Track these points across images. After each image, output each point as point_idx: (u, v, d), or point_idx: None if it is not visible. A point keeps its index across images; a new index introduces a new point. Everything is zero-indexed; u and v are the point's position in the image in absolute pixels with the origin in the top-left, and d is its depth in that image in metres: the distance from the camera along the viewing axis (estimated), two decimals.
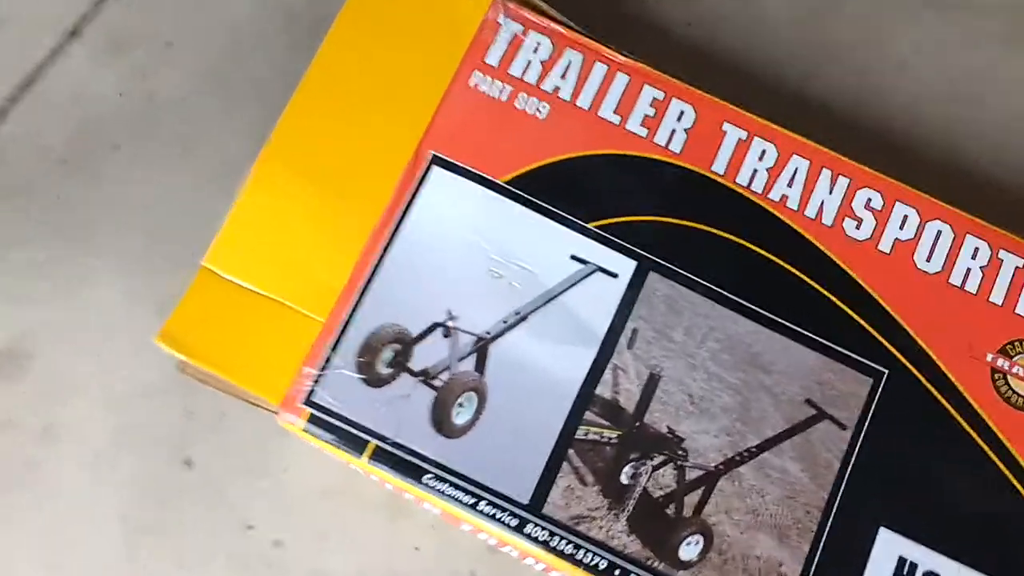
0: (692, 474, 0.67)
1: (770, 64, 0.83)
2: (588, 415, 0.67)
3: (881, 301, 0.70)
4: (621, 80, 0.73)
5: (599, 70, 0.73)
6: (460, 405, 0.67)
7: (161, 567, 0.72)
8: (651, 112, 0.72)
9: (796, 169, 0.72)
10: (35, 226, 0.78)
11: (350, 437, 0.66)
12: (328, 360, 0.67)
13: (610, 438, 0.68)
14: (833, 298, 0.70)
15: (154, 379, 0.75)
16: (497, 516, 0.65)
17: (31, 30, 0.82)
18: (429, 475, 0.65)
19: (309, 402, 0.66)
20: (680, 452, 0.68)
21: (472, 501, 0.65)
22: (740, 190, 0.71)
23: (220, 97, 0.81)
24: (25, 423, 0.74)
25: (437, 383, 0.67)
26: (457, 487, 0.65)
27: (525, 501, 0.65)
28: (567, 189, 0.70)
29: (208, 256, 0.68)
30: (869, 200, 0.72)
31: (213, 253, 0.68)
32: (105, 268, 0.77)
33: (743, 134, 0.72)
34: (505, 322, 0.68)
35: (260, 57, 0.82)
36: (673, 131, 0.72)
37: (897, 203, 0.72)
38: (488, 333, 0.68)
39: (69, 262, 0.78)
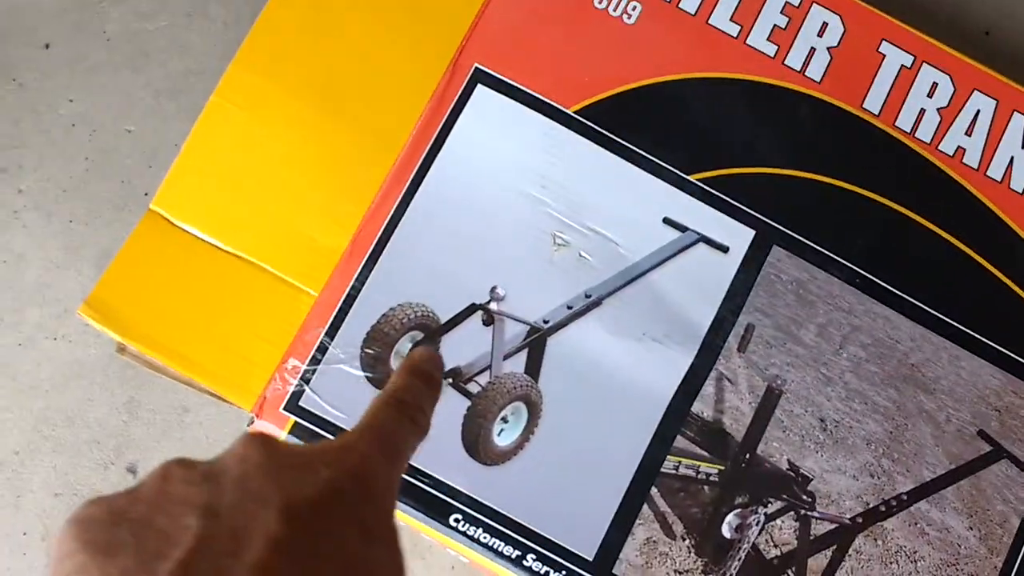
0: (820, 528, 0.48)
1: None
2: (680, 441, 0.48)
3: None
4: None
5: None
6: (503, 420, 0.48)
7: None
8: (782, 21, 0.52)
9: (978, 111, 0.52)
10: None
11: None
12: (322, 350, 0.47)
13: (709, 474, 0.48)
14: (1019, 290, 0.51)
15: (90, 358, 0.56)
16: None
17: None
18: (457, 514, 0.46)
19: (294, 406, 0.47)
20: (805, 498, 0.49)
21: (515, 554, 0.47)
22: (900, 137, 0.51)
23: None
24: None
25: (473, 388, 0.48)
26: (495, 532, 0.46)
27: (589, 557, 0.47)
28: (661, 126, 0.50)
29: (157, 197, 0.49)
30: None
31: (164, 193, 0.49)
32: (29, 207, 0.58)
33: (907, 59, 0.52)
34: (570, 307, 0.49)
35: None
36: (813, 50, 0.52)
37: None
38: (546, 322, 0.48)
39: None
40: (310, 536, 0.27)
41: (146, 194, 0.57)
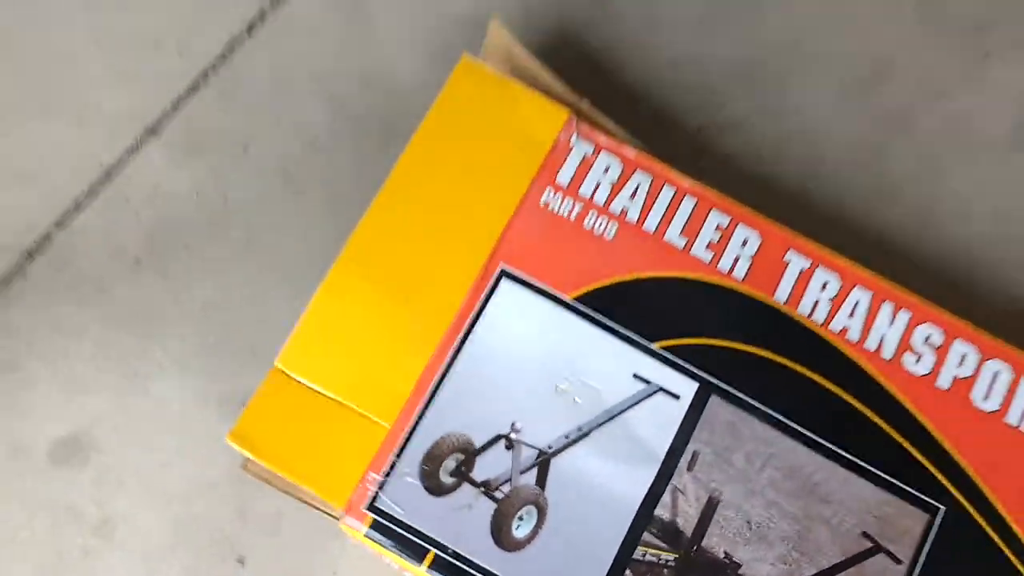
0: None
1: (833, 196, 0.85)
2: (646, 536, 0.67)
3: (939, 437, 0.71)
4: (688, 204, 0.75)
5: (667, 193, 0.75)
6: (520, 519, 0.67)
7: None
8: (716, 237, 0.74)
9: (858, 301, 0.73)
10: (103, 319, 0.80)
11: (410, 544, 0.66)
12: (393, 466, 0.67)
13: (668, 560, 0.67)
14: (892, 432, 0.71)
15: (212, 475, 0.75)
16: None
17: (112, 125, 0.86)
18: None
19: (372, 507, 0.66)
20: None
21: None
22: (802, 320, 0.73)
23: (291, 201, 0.84)
24: (85, 512, 0.74)
25: (498, 495, 0.67)
26: None
27: None
28: (632, 309, 0.72)
29: (280, 357, 0.69)
30: (929, 336, 0.73)
31: (285, 354, 0.70)
32: (170, 364, 0.79)
33: (806, 263, 0.74)
34: (567, 437, 0.69)
35: (331, 163, 0.85)
36: (737, 257, 0.74)
37: (957, 340, 0.73)
38: (550, 448, 0.68)
39: (135, 356, 0.79)
40: None
41: (260, 356, 0.78)
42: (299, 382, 0.69)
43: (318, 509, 0.71)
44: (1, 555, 0.74)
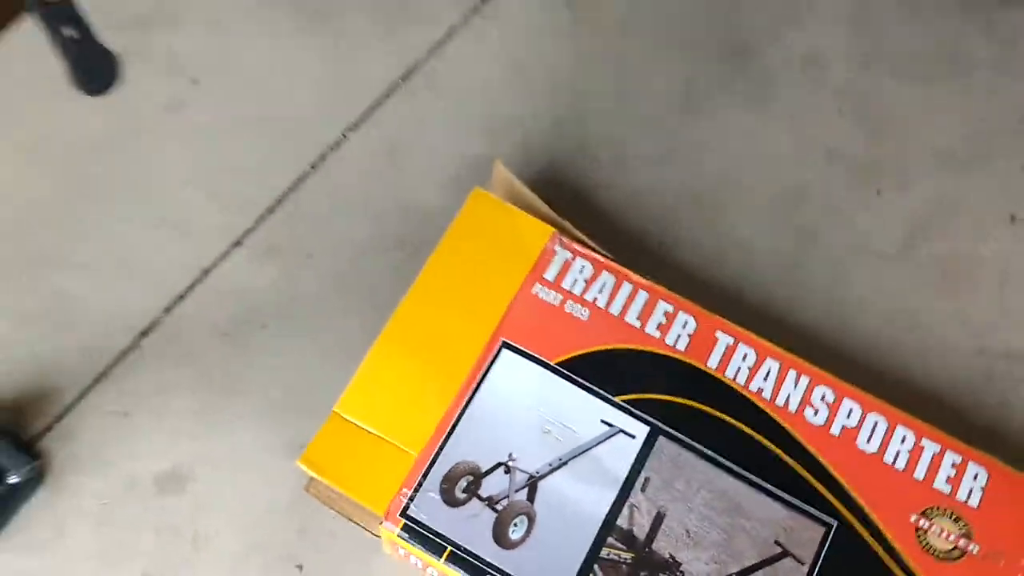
0: None
1: (760, 293, 1.11)
2: (610, 540, 0.90)
3: (832, 471, 0.94)
4: (642, 296, 1.00)
5: (626, 288, 1.00)
6: (515, 525, 0.90)
7: None
8: (663, 320, 0.99)
9: (769, 369, 0.98)
10: (197, 381, 1.04)
11: (432, 543, 0.88)
12: (419, 485, 0.90)
13: (626, 559, 0.89)
14: (796, 465, 0.94)
15: (279, 501, 0.98)
16: None
17: (208, 236, 1.12)
18: (490, 572, 0.87)
19: (404, 515, 0.89)
20: (679, 573, 0.89)
21: None
22: (728, 381, 0.97)
23: (344, 295, 1.09)
24: (183, 530, 0.97)
25: (499, 507, 0.90)
26: None
27: None
28: (600, 371, 0.96)
29: (338, 404, 0.94)
30: (824, 395, 0.97)
31: (342, 403, 0.94)
32: (248, 416, 1.03)
33: (731, 340, 0.99)
34: (551, 465, 0.92)
35: (374, 267, 1.11)
36: (679, 335, 0.99)
37: (845, 398, 0.97)
38: (538, 473, 0.92)
39: (221, 410, 1.03)
40: None
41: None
42: (351, 422, 0.93)
43: (361, 527, 0.94)
44: (117, 563, 0.96)
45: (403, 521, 0.89)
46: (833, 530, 0.92)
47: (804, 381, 0.98)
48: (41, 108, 1.16)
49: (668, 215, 1.16)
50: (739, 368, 0.98)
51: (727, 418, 0.95)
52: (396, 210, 1.14)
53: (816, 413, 0.96)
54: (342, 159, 1.18)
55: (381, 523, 0.90)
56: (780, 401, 0.97)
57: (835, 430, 0.96)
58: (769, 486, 0.93)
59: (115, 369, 1.04)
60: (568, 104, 1.23)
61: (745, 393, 0.97)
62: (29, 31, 1.17)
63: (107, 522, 0.97)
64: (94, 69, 0.75)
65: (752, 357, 0.98)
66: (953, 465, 0.95)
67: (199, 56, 1.22)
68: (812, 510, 0.92)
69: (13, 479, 0.96)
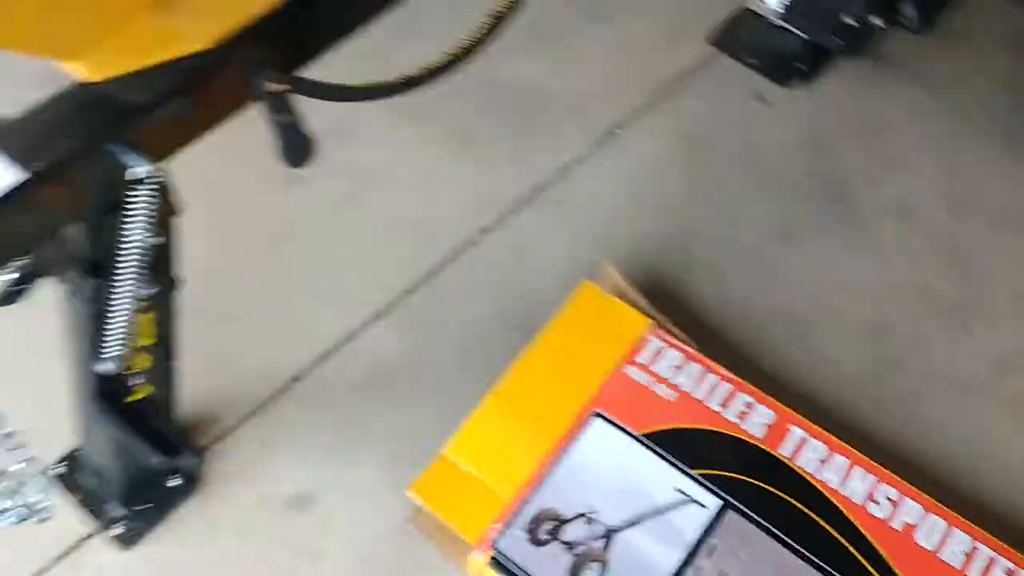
0: None
1: (834, 399, 1.21)
2: None
3: (890, 562, 1.01)
4: (725, 387, 1.12)
5: (711, 378, 1.13)
6: (589, 569, 1.00)
7: None
8: (743, 409, 1.11)
9: (838, 464, 1.07)
10: (332, 423, 1.21)
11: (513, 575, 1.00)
12: (509, 524, 1.03)
13: None
14: (855, 553, 1.02)
15: (387, 529, 1.12)
16: None
17: (357, 308, 1.32)
18: None
19: (493, 547, 1.02)
20: None
21: None
22: (798, 469, 1.07)
23: (465, 366, 1.25)
24: (305, 543, 1.12)
25: (576, 552, 1.01)
26: None
27: None
28: (680, 446, 1.08)
29: (447, 448, 1.08)
30: (888, 493, 1.05)
31: (450, 448, 1.09)
32: (370, 457, 1.18)
33: (804, 434, 1.09)
34: (627, 522, 1.03)
35: (495, 345, 1.26)
36: (756, 423, 1.10)
37: (907, 498, 1.05)
38: (615, 526, 1.03)
39: (348, 450, 1.19)
40: None
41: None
42: (455, 464, 1.07)
43: (453, 560, 1.07)
44: (248, 565, 1.11)
45: (491, 553, 1.02)
46: None
47: (870, 479, 1.06)
48: (242, 192, 1.41)
49: (758, 326, 1.29)
50: (809, 459, 1.08)
51: (794, 502, 1.05)
52: (517, 298, 1.31)
53: (879, 507, 1.05)
54: (476, 255, 1.37)
55: (471, 552, 1.02)
56: (846, 492, 1.06)
57: (896, 524, 1.04)
58: (827, 567, 1.00)
59: (268, 406, 1.23)
60: (676, 225, 1.39)
61: (813, 481, 1.06)
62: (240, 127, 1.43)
63: (244, 531, 1.13)
64: (298, 148, 0.96)
65: (822, 451, 1.08)
66: (1007, 571, 1.01)
67: (368, 164, 1.46)
68: None
69: (172, 483, 1.14)
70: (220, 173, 1.40)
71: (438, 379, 1.25)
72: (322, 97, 0.90)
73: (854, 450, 1.09)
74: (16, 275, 0.88)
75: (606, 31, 1.67)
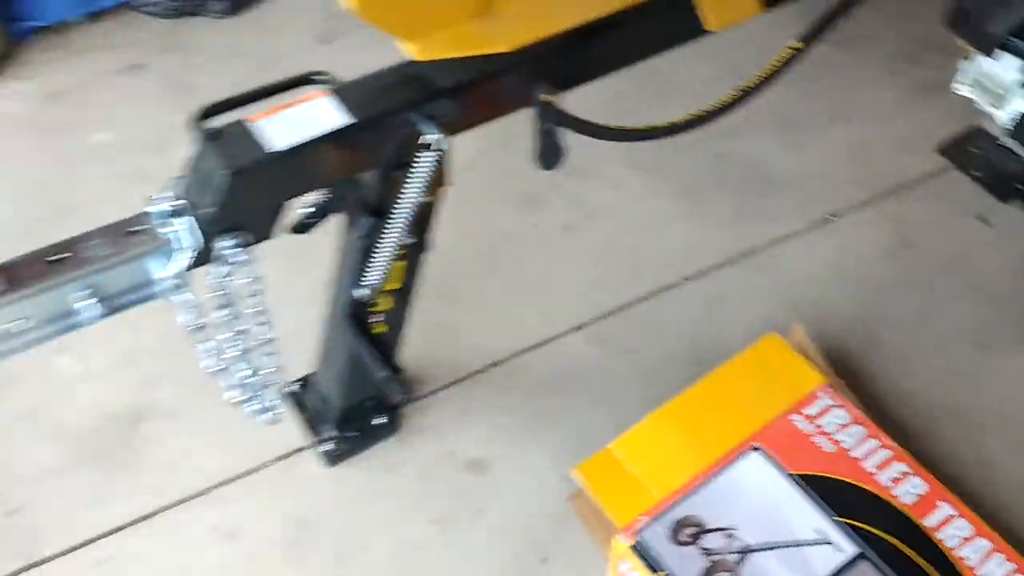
0: None
1: (991, 496, 1.24)
2: None
3: None
4: (885, 453, 1.19)
5: (872, 443, 1.20)
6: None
7: None
8: (897, 475, 1.17)
9: (980, 545, 1.11)
10: (516, 407, 1.37)
11: (651, 564, 1.11)
12: (656, 519, 1.14)
13: None
14: None
15: (546, 506, 1.26)
16: None
17: (558, 319, 1.47)
18: None
19: (637, 534, 1.13)
20: None
21: None
22: (938, 541, 1.12)
23: (645, 386, 1.38)
24: (471, 502, 1.27)
25: (712, 559, 1.11)
26: None
27: None
28: (829, 492, 1.15)
29: (612, 446, 1.21)
30: None
31: (615, 446, 1.21)
32: (546, 442, 1.32)
33: (952, 511, 1.14)
34: (764, 545, 1.11)
35: (676, 374, 1.38)
36: (907, 492, 1.16)
37: None
38: (751, 547, 1.11)
39: (528, 432, 1.34)
40: None
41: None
42: (618, 459, 1.20)
43: (598, 546, 1.18)
44: (421, 507, 1.27)
45: (636, 539, 1.13)
46: None
47: (1009, 566, 1.10)
48: (488, 205, 1.62)
49: (928, 416, 1.34)
50: (952, 535, 1.13)
51: (928, 568, 1.10)
52: (704, 341, 1.43)
53: None
54: (675, 296, 1.50)
55: (617, 535, 1.14)
56: (980, 572, 1.09)
57: None
58: None
59: (466, 381, 1.40)
60: (871, 311, 1.47)
61: (950, 556, 1.11)
62: (492, 152, 1.64)
63: (423, 475, 1.30)
64: (552, 153, 1.14)
65: (968, 530, 1.13)
66: None
67: (597, 201, 1.64)
68: None
69: (377, 421, 1.33)
70: (475, 187, 1.62)
71: (617, 392, 1.38)
72: (580, 131, 1.08)
73: (997, 535, 1.12)
74: (313, 209, 1.10)
75: (842, 130, 1.78)
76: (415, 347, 1.35)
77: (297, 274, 1.33)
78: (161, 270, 0.96)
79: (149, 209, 0.95)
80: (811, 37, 1.24)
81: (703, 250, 1.57)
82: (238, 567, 1.23)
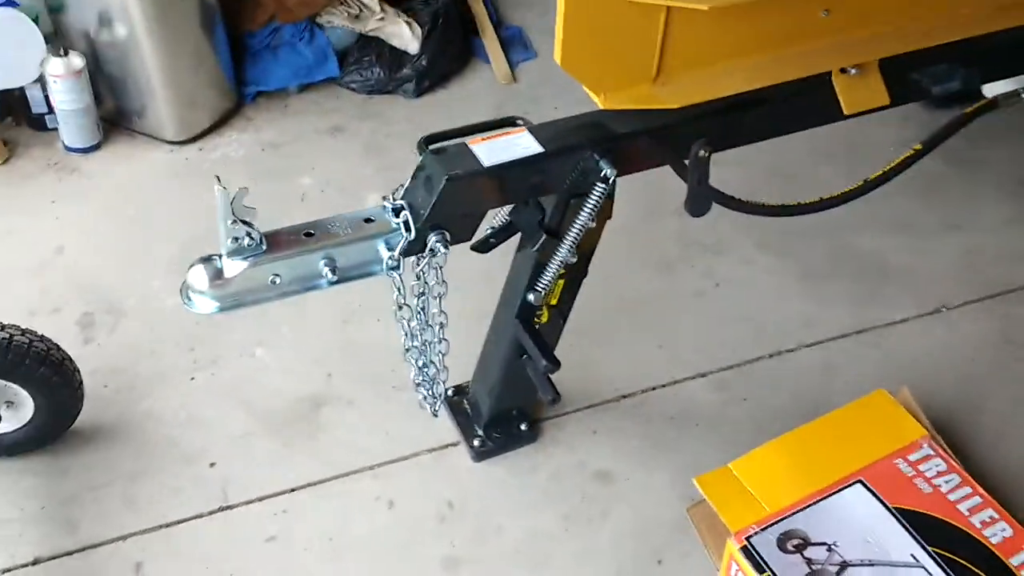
0: None
1: None
2: None
3: None
4: (976, 499, 1.32)
5: (966, 490, 1.33)
6: None
7: None
8: (987, 520, 1.30)
9: None
10: (639, 435, 1.54)
11: (757, 566, 1.25)
12: (766, 528, 1.29)
13: None
14: None
15: (664, 515, 1.42)
16: None
17: (680, 362, 1.66)
18: None
19: (746, 539, 1.28)
20: None
21: None
22: None
23: (759, 427, 1.53)
24: (597, 505, 1.44)
25: (813, 568, 1.25)
26: None
27: None
28: (923, 525, 1.28)
29: (733, 464, 1.38)
30: None
31: (736, 464, 1.38)
32: (663, 466, 1.49)
33: None
34: (861, 562, 1.25)
35: (785, 419, 1.54)
36: (996, 533, 1.28)
37: None
38: (849, 562, 1.25)
39: (648, 457, 1.51)
40: None
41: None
42: (735, 475, 1.36)
43: (709, 553, 1.34)
44: (550, 506, 1.45)
45: (745, 543, 1.28)
46: None
47: None
48: (629, 268, 1.83)
49: (1019, 477, 1.45)
50: None
51: None
52: (816, 401, 1.58)
53: None
54: (792, 360, 1.68)
55: (730, 538, 1.29)
56: None
57: None
58: None
59: (599, 407, 1.59)
60: (975, 392, 1.61)
61: None
62: (638, 227, 1.87)
63: (556, 478, 1.48)
64: (701, 202, 1.35)
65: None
66: None
67: (725, 273, 1.84)
68: None
69: (522, 427, 1.52)
70: (622, 253, 1.84)
71: (733, 431, 1.54)
72: (722, 203, 1.29)
73: None
74: (500, 225, 1.34)
75: (957, 237, 1.95)
76: (559, 375, 1.54)
77: (458, 300, 1.57)
78: (384, 252, 1.20)
79: (383, 204, 1.21)
80: (931, 143, 1.44)
81: (820, 324, 1.74)
82: (393, 530, 1.43)
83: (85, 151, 2.13)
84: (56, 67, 2.01)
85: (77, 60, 2.03)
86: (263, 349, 1.69)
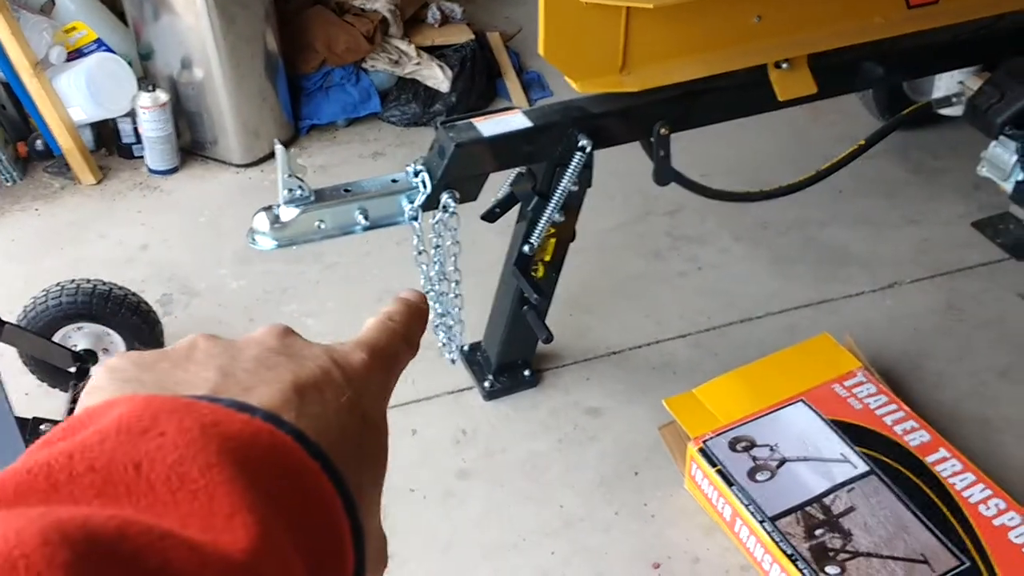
0: None
1: (995, 471, 1.58)
2: (813, 505, 1.44)
3: (983, 541, 1.37)
4: (900, 414, 1.58)
5: (892, 407, 1.59)
6: (761, 473, 1.49)
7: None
8: (907, 429, 1.55)
9: (967, 477, 1.46)
10: (626, 382, 1.82)
11: (711, 463, 1.51)
12: (719, 434, 1.55)
13: (818, 518, 1.42)
14: (960, 530, 1.39)
15: (640, 438, 1.69)
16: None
17: (664, 326, 1.94)
18: (734, 485, 1.47)
19: (704, 443, 1.55)
20: (848, 538, 1.39)
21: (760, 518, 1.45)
22: (935, 471, 1.48)
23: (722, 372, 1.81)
24: (586, 431, 1.72)
25: (757, 462, 1.51)
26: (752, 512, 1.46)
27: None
28: (853, 432, 1.54)
29: (696, 390, 1.65)
30: (998, 504, 1.42)
31: (698, 390, 1.65)
32: (643, 403, 1.77)
33: (947, 454, 1.50)
34: (798, 457, 1.51)
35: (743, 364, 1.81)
36: (915, 439, 1.53)
37: (1012, 511, 1.41)
38: (788, 458, 1.51)
39: (631, 397, 1.79)
40: (312, 405, 0.34)
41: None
42: (698, 399, 1.64)
43: (677, 464, 1.61)
44: (542, 436, 1.73)
45: (701, 444, 1.55)
46: (965, 567, 1.35)
47: (987, 491, 1.45)
48: (621, 249, 2.14)
49: (952, 417, 1.70)
50: (945, 468, 1.49)
51: (925, 488, 1.46)
52: (775, 351, 1.85)
53: (987, 509, 1.42)
54: (759, 325, 1.95)
55: (690, 442, 1.56)
56: (966, 494, 1.45)
57: (996, 522, 1.40)
58: (936, 529, 1.40)
59: (592, 360, 1.88)
60: (918, 347, 1.87)
61: (942, 480, 1.47)
62: (639, 222, 2.18)
63: (553, 413, 1.77)
64: (665, 174, 1.68)
65: (958, 467, 1.49)
66: None
67: (705, 258, 2.13)
68: (958, 552, 1.37)
69: (525, 373, 1.82)
70: (616, 244, 2.15)
71: (704, 377, 1.80)
72: (689, 188, 1.60)
73: (979, 470, 1.48)
74: (503, 196, 1.66)
75: (914, 230, 2.22)
76: (557, 336, 1.84)
77: (470, 272, 1.88)
78: (406, 205, 1.53)
79: (406, 169, 1.54)
80: (874, 138, 1.75)
81: (786, 296, 2.02)
82: (415, 449, 1.72)
83: (166, 173, 2.51)
84: (145, 100, 2.41)
85: (163, 95, 2.43)
86: (312, 319, 2.01)
